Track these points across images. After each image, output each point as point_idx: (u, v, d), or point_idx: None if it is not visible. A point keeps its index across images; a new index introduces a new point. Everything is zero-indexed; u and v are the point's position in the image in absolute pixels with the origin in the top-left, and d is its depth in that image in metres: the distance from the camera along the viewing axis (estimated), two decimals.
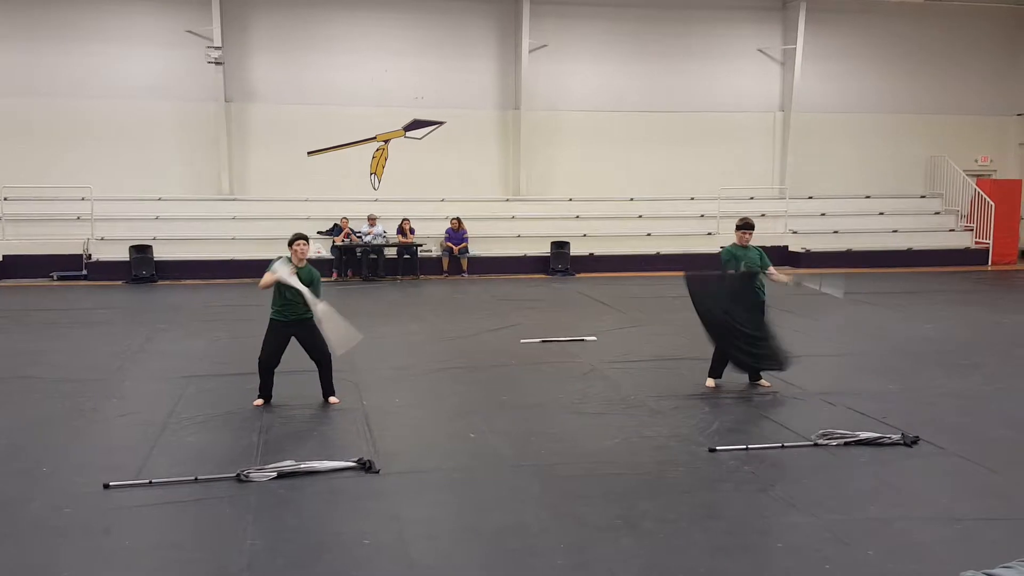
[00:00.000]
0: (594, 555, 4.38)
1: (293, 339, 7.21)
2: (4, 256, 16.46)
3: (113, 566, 4.28)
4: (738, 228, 7.90)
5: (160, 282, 16.39)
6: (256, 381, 7.23)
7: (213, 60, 17.75)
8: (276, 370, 7.23)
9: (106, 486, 5.25)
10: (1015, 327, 11.54)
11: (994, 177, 21.50)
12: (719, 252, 8.08)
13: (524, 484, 5.40)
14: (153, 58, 18.13)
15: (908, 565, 4.25)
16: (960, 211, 20.88)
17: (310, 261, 7.34)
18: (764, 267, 7.85)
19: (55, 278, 16.37)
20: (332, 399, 7.30)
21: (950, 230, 20.57)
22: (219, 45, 17.80)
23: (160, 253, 16.72)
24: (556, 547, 4.47)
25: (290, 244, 7.13)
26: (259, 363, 7.18)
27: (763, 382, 7.88)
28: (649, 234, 19.02)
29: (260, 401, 7.22)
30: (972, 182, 20.67)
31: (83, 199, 17.14)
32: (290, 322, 7.13)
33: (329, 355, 7.22)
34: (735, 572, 4.21)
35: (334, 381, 7.38)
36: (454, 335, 10.71)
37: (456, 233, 17.81)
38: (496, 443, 6.26)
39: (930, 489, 5.34)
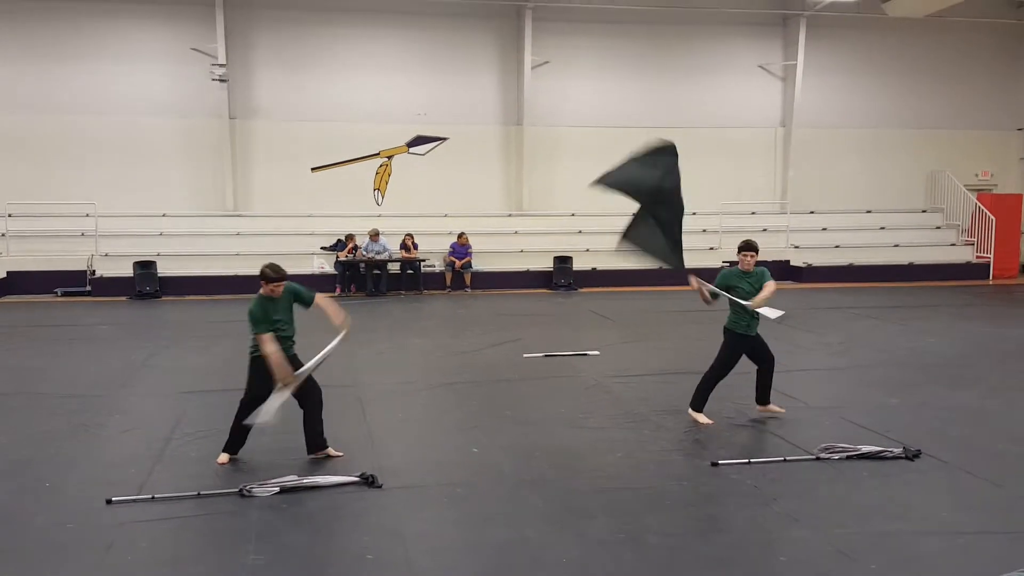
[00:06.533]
0: (597, 570, 4.38)
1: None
2: (8, 272, 16.51)
3: None
4: (739, 251, 7.28)
5: (164, 298, 16.43)
6: None
7: (217, 77, 17.88)
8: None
9: (109, 501, 5.26)
10: (1016, 341, 11.52)
11: (995, 192, 21.53)
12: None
13: (527, 499, 5.40)
14: (158, 75, 18.26)
15: None
16: (961, 225, 20.91)
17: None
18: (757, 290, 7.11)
19: (59, 294, 16.42)
20: (332, 452, 6.22)
21: (951, 244, 20.58)
22: (223, 62, 17.94)
23: (164, 269, 16.77)
24: (559, 562, 4.47)
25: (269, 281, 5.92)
26: (242, 407, 6.03)
27: (773, 407, 7.40)
28: None
29: (226, 458, 6.09)
30: (973, 197, 20.70)
31: (87, 215, 17.23)
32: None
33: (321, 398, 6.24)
34: None
35: (338, 399, 6.87)
36: (457, 350, 10.72)
37: (461, 248, 17.86)
38: (499, 458, 6.26)
39: (932, 502, 5.33)
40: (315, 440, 6.17)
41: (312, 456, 6.17)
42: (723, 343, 7.32)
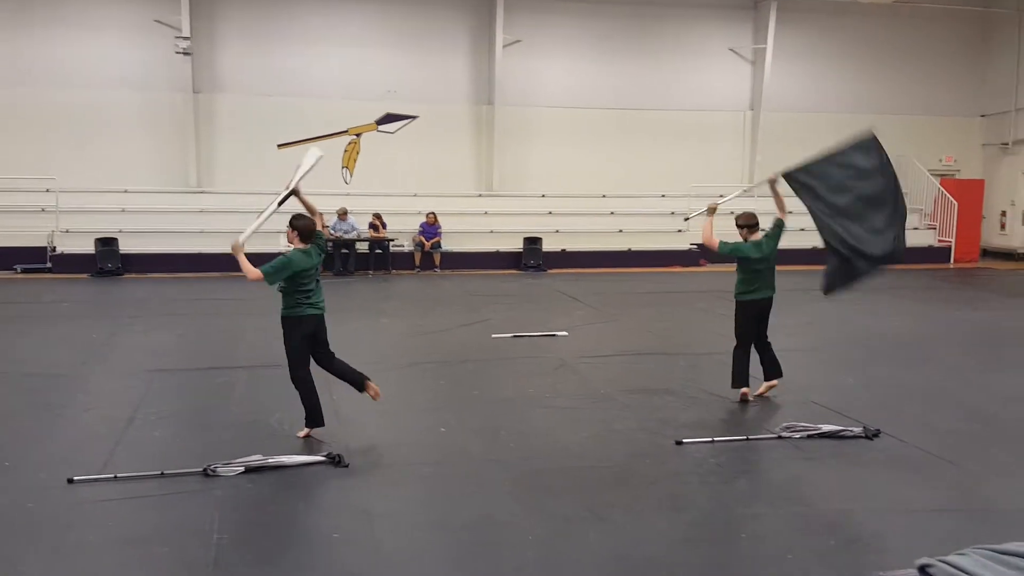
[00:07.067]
0: (562, 547, 4.42)
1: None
2: None
3: (77, 561, 4.24)
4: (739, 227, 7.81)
5: (126, 275, 16.17)
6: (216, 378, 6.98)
7: (182, 50, 17.50)
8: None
9: (70, 481, 5.19)
10: (975, 323, 11.79)
11: (957, 177, 21.90)
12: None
13: (494, 478, 5.42)
14: (120, 48, 17.85)
15: (867, 555, 4.34)
16: (924, 210, 21.26)
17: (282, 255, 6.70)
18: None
19: (19, 271, 16.09)
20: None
21: (914, 228, 20.88)
22: (187, 35, 17.55)
23: (126, 246, 16.49)
24: (525, 539, 4.50)
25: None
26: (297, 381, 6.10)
27: (773, 383, 7.45)
28: (621, 230, 19.12)
29: (305, 431, 6.16)
30: (936, 181, 21.04)
31: (47, 191, 16.85)
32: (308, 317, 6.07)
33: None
34: (700, 562, 4.28)
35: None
36: (426, 330, 10.70)
37: (431, 228, 17.79)
38: (466, 437, 6.28)
39: (890, 481, 5.45)
40: (356, 379, 6.31)
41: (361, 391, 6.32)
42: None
